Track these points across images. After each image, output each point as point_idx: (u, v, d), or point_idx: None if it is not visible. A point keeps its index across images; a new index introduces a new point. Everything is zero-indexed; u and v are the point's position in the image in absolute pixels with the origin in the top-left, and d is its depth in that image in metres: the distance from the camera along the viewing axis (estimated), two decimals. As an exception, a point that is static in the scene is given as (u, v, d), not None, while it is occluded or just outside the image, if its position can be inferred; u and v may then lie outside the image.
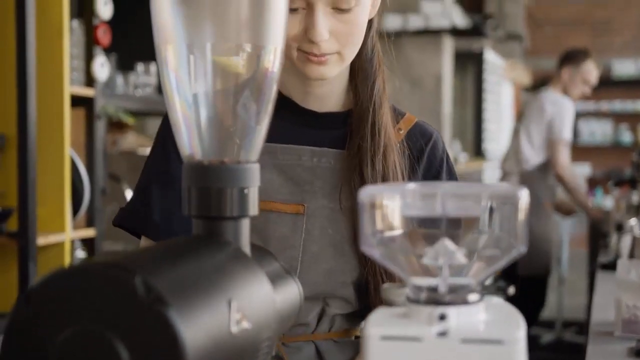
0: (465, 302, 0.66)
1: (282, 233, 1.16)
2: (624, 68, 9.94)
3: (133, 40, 2.70)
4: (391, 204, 0.70)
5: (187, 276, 0.67)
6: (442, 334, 0.64)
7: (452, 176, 1.27)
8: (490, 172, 7.21)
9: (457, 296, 0.68)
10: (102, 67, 2.68)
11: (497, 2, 9.66)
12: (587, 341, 1.82)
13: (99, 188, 2.71)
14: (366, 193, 0.69)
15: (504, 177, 4.47)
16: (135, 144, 3.53)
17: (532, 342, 5.36)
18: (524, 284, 4.16)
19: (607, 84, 9.99)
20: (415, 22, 5.26)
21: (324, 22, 1.10)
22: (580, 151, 10.21)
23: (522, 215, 0.68)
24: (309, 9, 1.09)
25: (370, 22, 1.22)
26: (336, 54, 1.14)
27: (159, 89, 3.05)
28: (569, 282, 6.14)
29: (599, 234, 4.66)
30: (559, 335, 5.38)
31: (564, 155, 4.11)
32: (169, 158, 1.19)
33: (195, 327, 0.61)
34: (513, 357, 0.62)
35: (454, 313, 0.65)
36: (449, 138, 5.94)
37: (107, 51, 2.81)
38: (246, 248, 0.79)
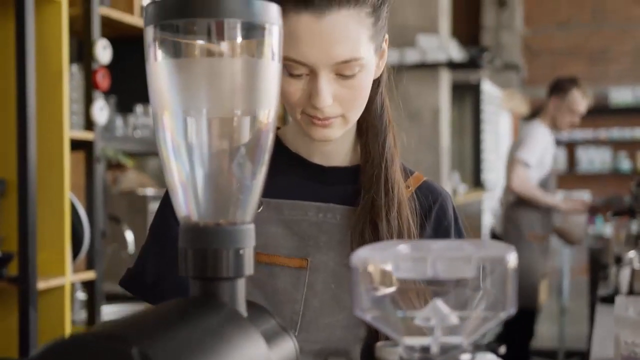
0: (457, 363, 0.68)
1: (285, 287, 1.17)
2: (621, 96, 9.99)
3: (132, 82, 2.73)
4: (383, 267, 0.71)
5: (184, 343, 0.68)
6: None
7: (461, 237, 1.27)
8: (489, 202, 7.22)
9: (449, 356, 0.69)
10: (101, 110, 2.70)
11: (494, 33, 9.74)
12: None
13: (98, 230, 2.73)
14: (359, 257, 0.71)
15: (501, 208, 4.49)
16: (136, 182, 3.55)
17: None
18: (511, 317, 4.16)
19: (605, 112, 10.04)
20: (412, 56, 5.31)
21: (327, 89, 1.10)
22: (579, 179, 10.23)
23: (511, 277, 0.69)
24: (312, 75, 1.10)
25: (378, 79, 1.23)
26: (340, 117, 1.15)
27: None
28: (571, 311, 6.13)
29: (598, 265, 4.66)
30: (561, 366, 5.36)
31: (516, 173, 4.09)
32: (167, 222, 1.21)
33: (191, 398, 0.62)
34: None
35: (446, 375, 0.66)
36: (448, 170, 5.96)
37: (107, 94, 2.84)
38: (242, 307, 0.80)
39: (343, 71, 1.11)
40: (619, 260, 3.29)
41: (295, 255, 1.18)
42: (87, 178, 2.71)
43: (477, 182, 7.18)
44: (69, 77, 2.63)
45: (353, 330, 1.17)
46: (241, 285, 0.80)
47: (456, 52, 5.48)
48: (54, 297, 2.56)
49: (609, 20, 10.04)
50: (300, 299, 1.16)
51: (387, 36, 1.21)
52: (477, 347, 0.75)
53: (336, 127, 1.15)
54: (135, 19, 2.95)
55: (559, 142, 10.09)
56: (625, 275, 2.87)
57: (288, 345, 0.90)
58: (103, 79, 2.69)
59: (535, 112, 9.97)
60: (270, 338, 0.83)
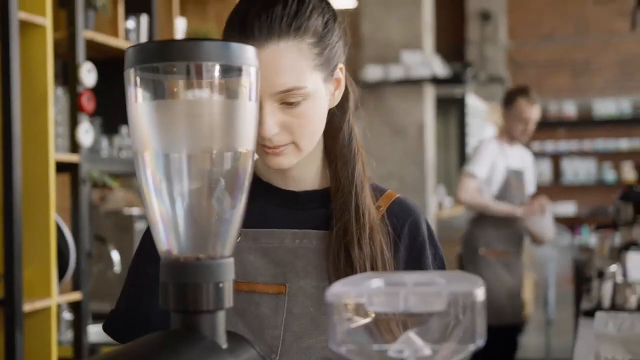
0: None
1: (264, 313, 1.19)
2: (604, 108, 10.08)
3: (117, 104, 2.75)
4: (357, 302, 0.74)
5: (164, 379, 0.71)
6: None
7: (436, 250, 1.28)
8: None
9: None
10: (86, 133, 2.73)
11: (478, 46, 9.81)
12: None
13: (84, 252, 2.74)
14: (332, 293, 0.73)
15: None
16: (124, 201, 3.56)
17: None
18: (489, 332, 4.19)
19: (589, 124, 10.13)
20: (396, 72, 5.35)
21: (271, 118, 1.12)
22: (564, 190, 10.30)
23: (479, 310, 0.72)
24: (258, 105, 1.13)
25: (345, 107, 1.25)
26: (291, 144, 1.17)
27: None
28: (557, 322, 6.16)
29: (583, 277, 4.69)
30: (547, 378, 5.39)
31: (463, 186, 4.08)
32: (144, 263, 1.25)
33: None
34: None
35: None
36: (434, 184, 6.00)
37: (92, 115, 2.86)
38: (222, 339, 0.83)
39: (287, 99, 1.13)
40: (601, 274, 3.31)
41: (274, 282, 1.20)
42: (72, 200, 2.73)
43: (462, 195, 7.22)
44: (54, 100, 2.65)
45: (332, 351, 1.20)
46: (221, 317, 0.82)
47: (440, 67, 5.53)
48: (40, 319, 2.57)
49: (591, 32, 10.14)
50: (280, 324, 1.19)
51: (341, 65, 1.23)
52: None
53: (289, 155, 1.18)
54: (119, 42, 2.97)
55: (543, 154, 10.20)
56: (607, 289, 2.90)
57: (268, 374, 0.92)
58: (88, 102, 2.71)
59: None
60: (250, 368, 0.85)
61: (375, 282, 0.76)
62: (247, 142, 0.83)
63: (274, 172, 1.25)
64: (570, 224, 9.84)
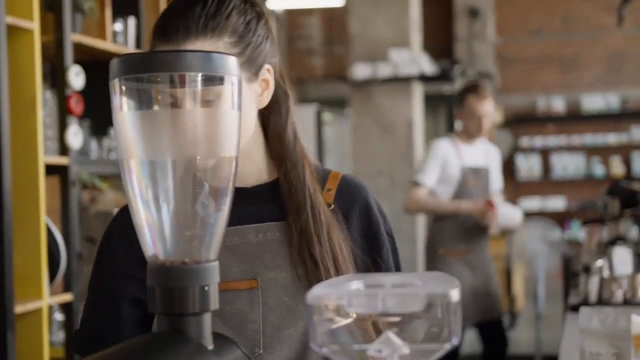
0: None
1: (240, 310, 1.22)
2: (593, 102, 10.13)
3: (106, 105, 2.77)
4: (337, 304, 0.76)
5: (151, 381, 0.73)
6: None
7: (385, 220, 1.33)
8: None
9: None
10: (75, 135, 2.74)
11: (466, 43, 9.85)
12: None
13: (75, 253, 2.76)
14: (313, 295, 0.76)
15: None
16: (114, 202, 3.58)
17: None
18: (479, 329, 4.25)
19: (578, 119, 10.17)
20: (384, 70, 5.38)
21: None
22: (553, 185, 10.35)
23: (454, 310, 0.75)
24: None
25: (285, 109, 1.28)
26: None
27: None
28: (547, 316, 6.21)
29: (571, 271, 4.72)
30: (538, 372, 5.44)
31: (410, 196, 4.06)
32: (103, 276, 1.25)
33: None
34: None
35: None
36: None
37: (81, 118, 2.88)
38: (208, 341, 0.85)
39: (205, 98, 1.14)
40: (587, 269, 3.35)
41: (245, 278, 1.23)
42: (62, 202, 2.75)
43: (452, 191, 7.25)
44: (43, 103, 2.67)
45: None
46: (207, 319, 0.85)
47: (428, 65, 5.56)
48: (32, 320, 2.59)
49: (579, 28, 10.19)
50: (258, 318, 1.21)
51: (269, 66, 1.24)
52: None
53: None
54: (107, 44, 2.99)
55: (532, 149, 10.25)
56: (594, 283, 2.93)
57: (253, 374, 0.95)
58: (77, 105, 2.73)
59: (512, 120, 10.10)
60: (235, 368, 0.88)
61: (355, 284, 0.79)
62: (230, 149, 0.86)
63: None
64: (559, 218, 9.89)
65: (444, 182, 4.05)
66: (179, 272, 0.83)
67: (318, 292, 0.76)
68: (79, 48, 2.85)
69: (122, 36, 3.12)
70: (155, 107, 0.97)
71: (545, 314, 6.14)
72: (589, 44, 10.19)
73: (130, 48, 3.18)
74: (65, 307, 2.85)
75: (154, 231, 0.85)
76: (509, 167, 10.36)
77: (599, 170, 10.16)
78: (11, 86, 2.51)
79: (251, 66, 1.20)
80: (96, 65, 3.04)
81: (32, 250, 2.57)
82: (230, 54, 1.15)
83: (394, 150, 5.62)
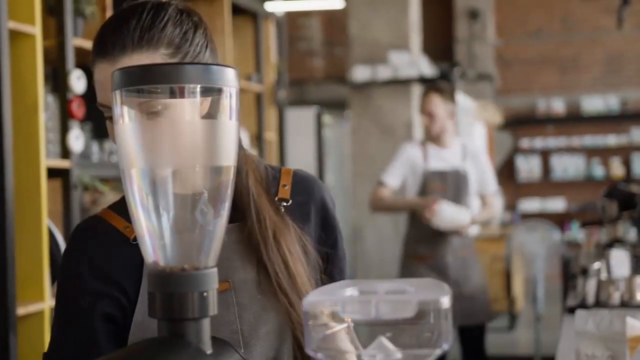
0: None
1: (217, 311, 1.24)
2: (592, 104, 10.16)
3: (107, 109, 2.80)
4: (331, 310, 0.79)
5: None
6: None
7: (334, 209, 1.37)
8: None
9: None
10: (77, 139, 2.77)
11: (466, 44, 9.87)
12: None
13: (76, 255, 2.78)
14: (308, 301, 0.79)
15: None
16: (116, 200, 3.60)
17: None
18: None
19: (577, 120, 10.21)
20: (383, 72, 5.40)
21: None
22: (554, 186, 10.38)
23: (444, 316, 0.77)
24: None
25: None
26: None
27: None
28: (547, 317, 6.23)
29: (569, 273, 4.74)
30: (537, 373, 5.46)
31: (373, 194, 4.11)
32: (73, 294, 1.23)
33: None
34: None
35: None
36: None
37: (82, 121, 2.90)
38: (207, 345, 0.88)
39: (148, 110, 1.09)
40: (585, 271, 3.37)
41: (219, 281, 1.25)
42: (64, 205, 2.77)
43: (452, 193, 7.27)
44: (45, 106, 2.69)
45: (284, 330, 1.25)
46: (206, 324, 0.87)
47: (427, 67, 5.59)
48: (34, 322, 2.61)
49: (578, 29, 10.22)
50: (235, 319, 1.23)
51: None
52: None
53: None
54: (109, 48, 3.01)
55: (532, 151, 10.28)
56: (591, 285, 2.94)
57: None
58: (78, 108, 2.76)
59: (512, 121, 10.11)
60: (233, 372, 0.91)
61: (349, 290, 0.81)
62: (228, 158, 0.88)
63: None
64: (559, 219, 9.92)
65: (411, 186, 4.07)
66: (179, 278, 0.86)
67: (313, 299, 0.79)
68: (80, 52, 2.87)
69: (123, 40, 3.14)
70: (155, 118, 1.00)
71: (545, 315, 6.16)
72: (589, 46, 10.21)
73: (131, 52, 3.20)
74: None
75: (154, 238, 0.87)
76: (508, 169, 10.39)
77: (598, 171, 10.19)
78: (13, 90, 2.54)
79: None
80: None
81: (34, 252, 2.59)
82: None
83: (393, 152, 5.63)
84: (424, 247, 4.05)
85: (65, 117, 2.76)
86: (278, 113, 4.84)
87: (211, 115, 0.88)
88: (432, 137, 4.05)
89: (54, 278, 2.70)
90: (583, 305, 2.81)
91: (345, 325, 0.83)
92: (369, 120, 5.60)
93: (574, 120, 10.23)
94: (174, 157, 0.87)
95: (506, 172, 10.38)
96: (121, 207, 1.24)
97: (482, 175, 4.14)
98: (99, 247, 1.22)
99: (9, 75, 2.48)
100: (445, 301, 0.77)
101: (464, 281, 4.09)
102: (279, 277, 1.23)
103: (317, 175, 6.80)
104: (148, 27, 1.16)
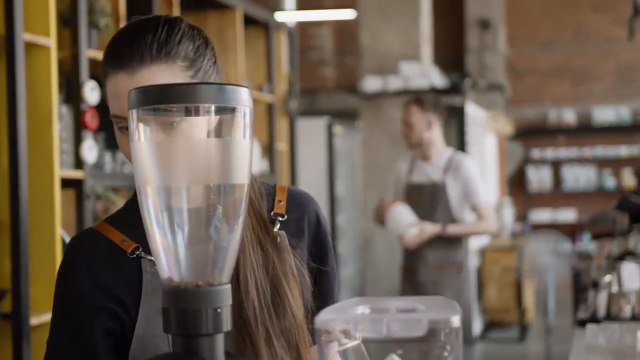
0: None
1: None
2: (604, 115, 10.14)
3: (120, 119, 2.82)
4: (343, 328, 0.80)
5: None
6: None
7: (327, 226, 1.37)
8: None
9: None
10: (90, 149, 2.79)
11: (477, 55, 9.88)
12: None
13: (89, 265, 2.80)
14: (321, 319, 0.80)
15: None
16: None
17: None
18: None
19: (589, 131, 10.19)
20: (395, 83, 5.42)
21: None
22: (564, 197, 10.35)
23: (455, 335, 0.78)
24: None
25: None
26: None
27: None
28: (557, 329, 6.21)
29: (581, 284, 4.72)
30: (547, 385, 5.44)
31: (375, 206, 4.21)
32: (74, 306, 1.22)
33: None
34: None
35: None
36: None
37: (95, 132, 2.92)
38: (220, 360, 0.89)
39: (167, 121, 1.11)
40: (596, 284, 3.36)
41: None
42: (77, 215, 2.79)
43: (462, 203, 7.27)
44: (59, 117, 2.72)
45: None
46: (220, 340, 0.88)
47: (438, 78, 5.59)
48: (47, 332, 2.62)
49: (590, 40, 10.21)
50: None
51: None
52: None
53: None
54: (122, 59, 3.04)
55: (543, 161, 10.25)
56: (602, 298, 2.94)
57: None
58: (92, 119, 2.78)
59: (523, 131, 10.10)
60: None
61: (361, 309, 0.82)
62: (242, 176, 0.90)
63: None
64: (570, 230, 9.89)
65: (396, 199, 4.11)
66: (193, 295, 0.87)
67: (325, 317, 0.80)
68: (94, 63, 2.90)
69: (136, 51, 3.16)
70: (170, 137, 1.01)
71: (556, 327, 6.15)
72: (600, 57, 10.20)
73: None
74: (79, 318, 2.89)
75: (169, 255, 0.89)
76: (519, 179, 10.38)
77: (610, 182, 10.16)
78: (28, 101, 2.56)
79: None
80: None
81: (48, 262, 2.61)
82: (184, 78, 1.19)
83: (404, 163, 5.64)
84: (404, 259, 4.09)
85: (79, 127, 2.78)
86: (289, 123, 4.86)
87: (225, 133, 0.90)
88: (412, 148, 4.09)
89: (66, 288, 2.72)
90: (594, 318, 2.81)
91: (356, 342, 0.84)
92: (379, 130, 5.61)
93: (585, 130, 10.21)
94: (189, 175, 0.88)
95: (517, 183, 10.37)
96: (117, 221, 1.25)
97: (465, 187, 4.02)
98: (96, 260, 1.22)
99: (24, 86, 2.51)
100: (456, 320, 0.78)
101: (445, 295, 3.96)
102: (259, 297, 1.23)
103: (328, 185, 6.80)
104: (165, 41, 1.18)
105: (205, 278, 0.88)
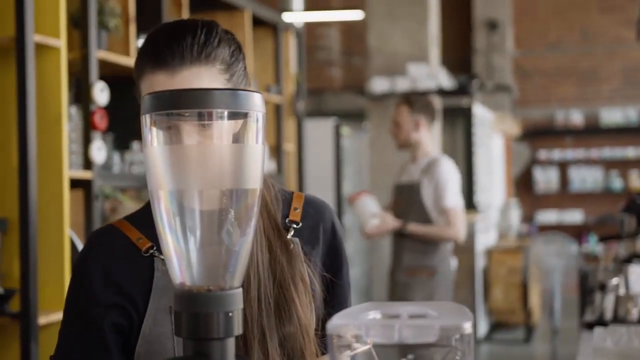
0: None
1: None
2: (611, 116, 10.12)
3: (129, 120, 2.83)
4: (355, 333, 0.80)
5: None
6: None
7: (343, 237, 1.38)
8: (482, 224, 7.31)
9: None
10: (99, 150, 2.80)
11: (485, 55, 9.86)
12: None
13: (97, 265, 2.80)
14: (333, 325, 0.80)
15: None
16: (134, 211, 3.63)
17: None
18: None
19: (596, 132, 10.17)
20: (402, 84, 5.41)
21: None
22: (571, 198, 10.33)
23: (467, 341, 0.78)
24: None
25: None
26: None
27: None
28: (564, 331, 6.20)
29: (587, 287, 4.71)
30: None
31: None
32: (86, 304, 1.24)
33: None
34: None
35: None
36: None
37: (104, 132, 2.93)
38: (231, 364, 0.89)
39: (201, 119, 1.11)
40: (603, 287, 3.35)
41: None
42: (85, 215, 2.81)
43: (469, 204, 7.27)
44: (68, 118, 2.73)
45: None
46: (231, 344, 0.89)
47: (446, 79, 5.59)
48: (55, 332, 2.62)
49: (598, 41, 10.19)
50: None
51: None
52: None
53: None
54: (131, 61, 3.05)
55: (550, 162, 10.24)
56: (609, 301, 2.94)
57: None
58: (101, 120, 2.79)
59: (530, 132, 10.09)
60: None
61: (372, 314, 0.82)
62: (254, 181, 0.90)
63: None
64: (577, 232, 9.87)
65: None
66: (205, 299, 0.87)
67: (337, 322, 0.80)
68: (103, 64, 2.91)
69: (145, 52, 3.17)
70: (183, 142, 1.02)
71: (562, 328, 6.14)
72: (608, 58, 10.18)
73: (153, 64, 3.23)
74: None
75: (181, 259, 0.89)
76: (526, 180, 10.36)
77: (617, 183, 10.14)
78: (38, 102, 2.57)
79: None
80: (120, 81, 3.10)
81: (56, 262, 2.62)
82: (221, 81, 1.20)
83: (411, 164, 5.63)
84: (390, 262, 4.07)
85: (88, 128, 2.79)
86: (297, 124, 4.86)
87: (238, 138, 0.90)
88: (400, 147, 4.10)
89: (74, 288, 2.73)
90: (601, 320, 2.80)
91: (367, 346, 0.84)
92: (387, 131, 5.60)
93: (593, 132, 10.19)
94: (201, 179, 0.89)
95: (524, 184, 10.35)
96: (137, 219, 1.27)
97: (436, 189, 3.93)
98: (111, 256, 1.24)
99: (34, 87, 2.52)
100: (468, 326, 0.78)
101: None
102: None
103: (335, 186, 6.81)
104: (204, 43, 1.19)
105: (217, 282, 0.89)
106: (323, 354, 1.25)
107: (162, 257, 1.21)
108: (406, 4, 5.64)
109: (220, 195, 0.89)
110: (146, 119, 0.88)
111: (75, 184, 2.77)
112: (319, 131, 6.32)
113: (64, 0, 2.65)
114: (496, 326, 7.25)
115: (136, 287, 1.21)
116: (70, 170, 2.70)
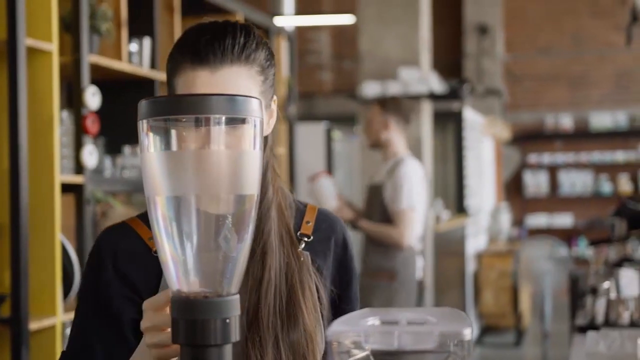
0: None
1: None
2: (601, 120, 10.16)
3: (120, 124, 2.82)
4: (354, 340, 0.80)
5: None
6: None
7: (353, 259, 1.38)
8: (472, 228, 7.32)
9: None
10: (90, 155, 2.79)
11: (475, 60, 9.89)
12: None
13: (89, 270, 2.79)
14: (332, 331, 0.80)
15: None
16: (124, 216, 3.61)
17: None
18: None
19: (586, 136, 10.21)
20: (393, 88, 5.42)
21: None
22: (561, 202, 10.37)
23: (467, 348, 0.78)
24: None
25: (266, 138, 1.29)
26: None
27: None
28: (554, 334, 6.21)
29: (578, 291, 4.72)
30: (544, 391, 5.44)
31: None
32: (91, 307, 1.25)
33: None
34: None
35: None
36: (431, 197, 6.06)
37: (95, 136, 2.92)
38: (228, 371, 0.89)
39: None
40: (595, 290, 3.35)
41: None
42: (77, 220, 2.79)
43: (460, 208, 7.29)
44: (59, 122, 2.71)
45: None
46: (228, 350, 0.88)
47: (437, 84, 5.60)
48: (46, 337, 2.62)
49: (588, 46, 10.23)
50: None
51: (275, 98, 1.30)
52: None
53: None
54: (123, 65, 3.04)
55: (540, 166, 10.28)
56: (600, 305, 2.94)
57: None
58: (92, 124, 2.78)
59: (520, 136, 10.12)
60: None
61: (371, 320, 0.82)
62: (251, 187, 0.90)
63: None
64: (567, 235, 9.90)
65: None
66: (202, 305, 0.87)
67: (337, 329, 0.80)
68: (95, 68, 2.90)
69: (137, 56, 3.17)
70: (181, 147, 1.02)
71: (552, 332, 6.15)
72: (598, 62, 10.22)
73: (145, 68, 3.23)
74: (78, 323, 2.88)
75: (178, 265, 0.89)
76: (516, 184, 10.39)
77: (606, 187, 10.18)
78: (29, 106, 2.56)
79: (268, 95, 1.26)
80: (112, 85, 3.09)
81: (47, 267, 2.61)
82: (258, 82, 1.22)
83: (402, 168, 5.63)
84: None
85: (79, 132, 2.78)
86: (288, 128, 4.86)
87: (235, 144, 0.90)
88: (371, 147, 4.13)
89: (66, 293, 2.72)
90: (592, 324, 2.81)
91: (365, 353, 0.84)
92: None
93: (582, 136, 10.23)
94: (198, 185, 0.88)
95: (514, 187, 10.38)
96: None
97: (393, 190, 3.85)
98: (121, 253, 1.25)
99: (25, 91, 2.51)
100: (467, 332, 0.78)
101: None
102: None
103: (326, 189, 6.78)
104: (244, 45, 1.21)
105: (214, 288, 0.89)
106: None
107: None
108: (397, 8, 5.65)
109: (218, 201, 0.89)
110: (143, 125, 0.88)
111: (66, 188, 2.76)
112: (310, 135, 6.32)
113: (55, 3, 2.64)
114: (487, 330, 7.26)
115: (145, 286, 1.23)
116: (62, 175, 2.69)
